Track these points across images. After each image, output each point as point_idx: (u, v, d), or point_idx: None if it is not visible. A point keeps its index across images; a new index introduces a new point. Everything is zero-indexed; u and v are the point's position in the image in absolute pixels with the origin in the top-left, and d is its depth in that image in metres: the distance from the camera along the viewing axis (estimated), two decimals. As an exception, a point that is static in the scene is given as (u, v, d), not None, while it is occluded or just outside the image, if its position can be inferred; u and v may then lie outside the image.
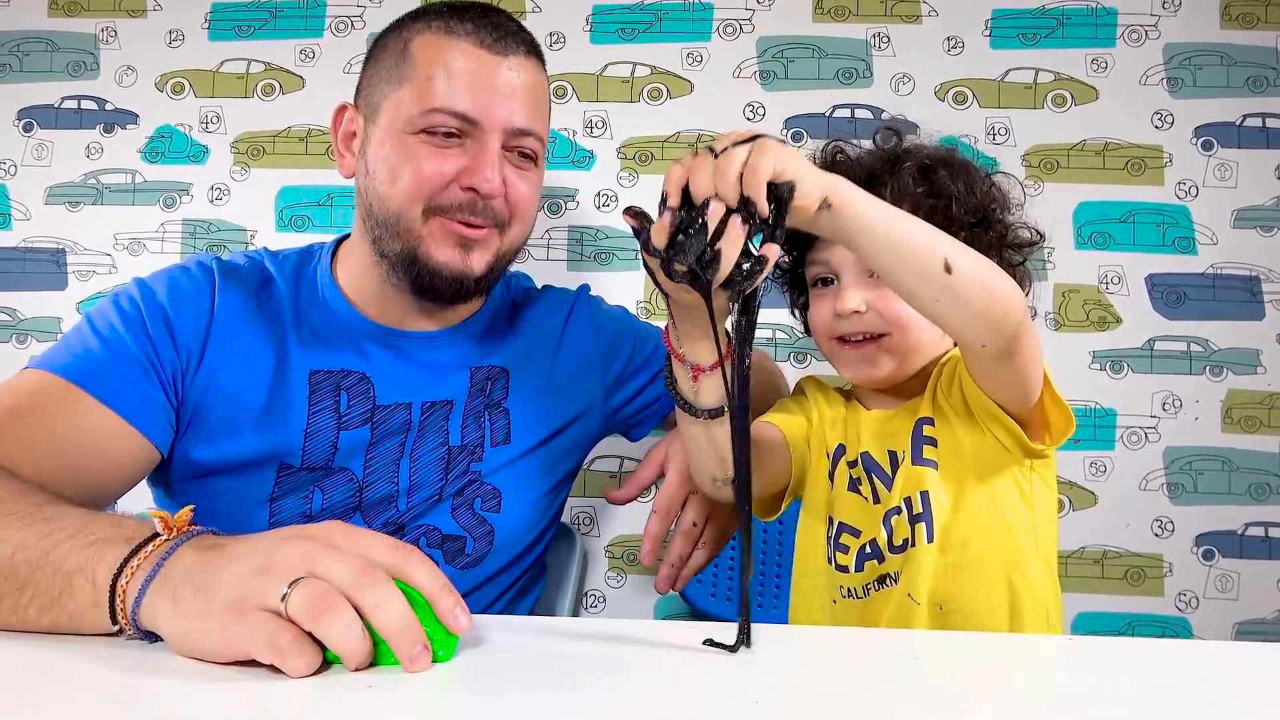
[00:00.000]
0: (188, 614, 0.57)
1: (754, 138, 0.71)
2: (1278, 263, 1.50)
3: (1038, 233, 1.00)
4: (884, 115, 1.55)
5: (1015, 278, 0.94)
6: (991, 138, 1.53)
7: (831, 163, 0.99)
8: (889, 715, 0.58)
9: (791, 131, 1.56)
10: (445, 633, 0.60)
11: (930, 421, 0.93)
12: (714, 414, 0.85)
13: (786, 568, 1.40)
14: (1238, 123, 1.52)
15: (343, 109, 1.04)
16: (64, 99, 1.62)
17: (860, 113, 1.55)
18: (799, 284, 1.03)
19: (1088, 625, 1.49)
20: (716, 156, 0.70)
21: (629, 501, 1.06)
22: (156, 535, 0.63)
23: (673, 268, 0.71)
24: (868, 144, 1.01)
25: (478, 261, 0.99)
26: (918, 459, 0.93)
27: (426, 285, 0.98)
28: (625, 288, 1.55)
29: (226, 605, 0.56)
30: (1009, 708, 0.61)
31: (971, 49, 1.55)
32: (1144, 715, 0.59)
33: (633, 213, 0.74)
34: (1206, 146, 1.52)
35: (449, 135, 0.95)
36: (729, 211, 0.69)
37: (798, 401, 1.05)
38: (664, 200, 0.72)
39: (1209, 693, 0.65)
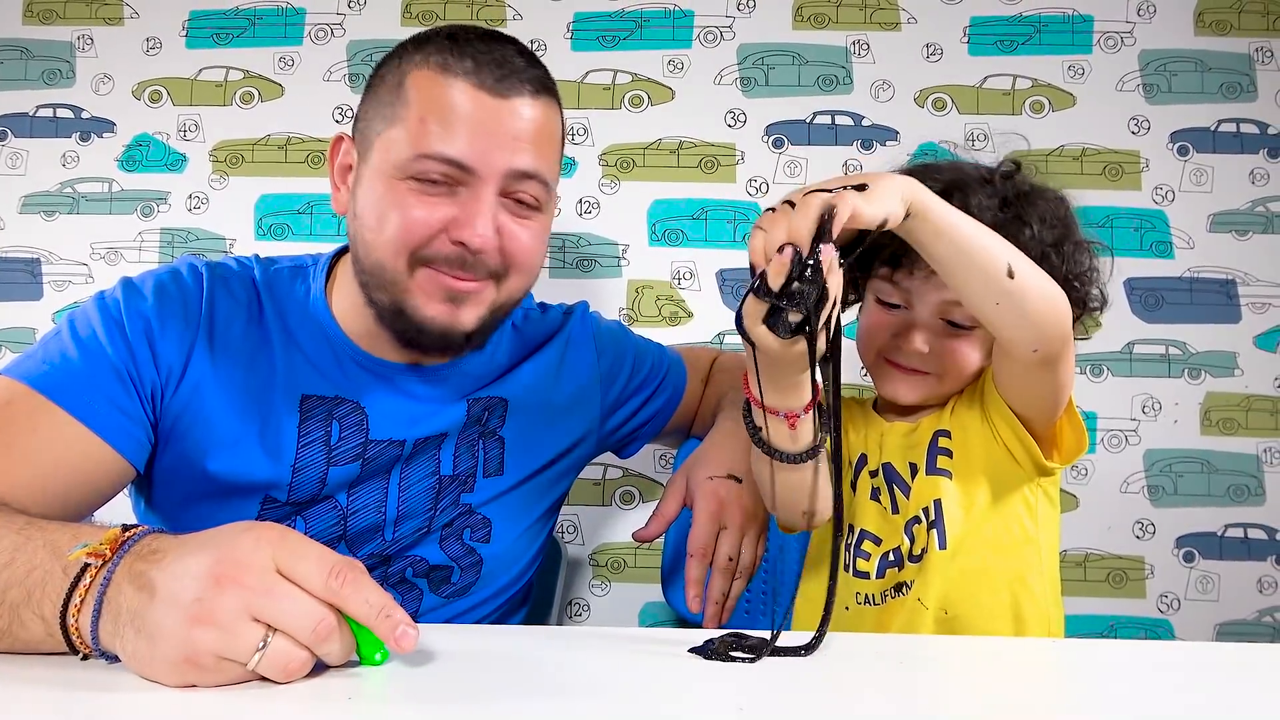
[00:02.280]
0: (143, 662, 0.57)
1: (831, 191, 0.71)
2: (1253, 266, 1.52)
3: (1103, 297, 1.02)
4: (864, 122, 1.56)
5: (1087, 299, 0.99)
6: (970, 144, 1.54)
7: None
8: (875, 717, 0.58)
9: (772, 138, 1.56)
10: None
11: (947, 434, 0.97)
12: (808, 456, 0.85)
13: (785, 577, 1.40)
14: (1212, 128, 1.54)
15: (339, 140, 0.97)
16: (39, 107, 1.60)
17: (841, 119, 1.56)
18: (855, 287, 1.03)
19: (1071, 628, 1.49)
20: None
21: (657, 538, 1.04)
22: (88, 565, 0.61)
23: (786, 318, 0.70)
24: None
25: (468, 316, 0.92)
26: (932, 469, 0.96)
27: (413, 339, 0.93)
28: (607, 295, 1.55)
29: (178, 660, 0.55)
30: (993, 710, 0.61)
31: (950, 56, 1.56)
32: (1128, 716, 0.60)
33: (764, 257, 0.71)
34: (1182, 152, 1.54)
35: (438, 182, 0.88)
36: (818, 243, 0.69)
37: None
38: (752, 270, 0.72)
39: (1191, 693, 0.65)
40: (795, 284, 0.69)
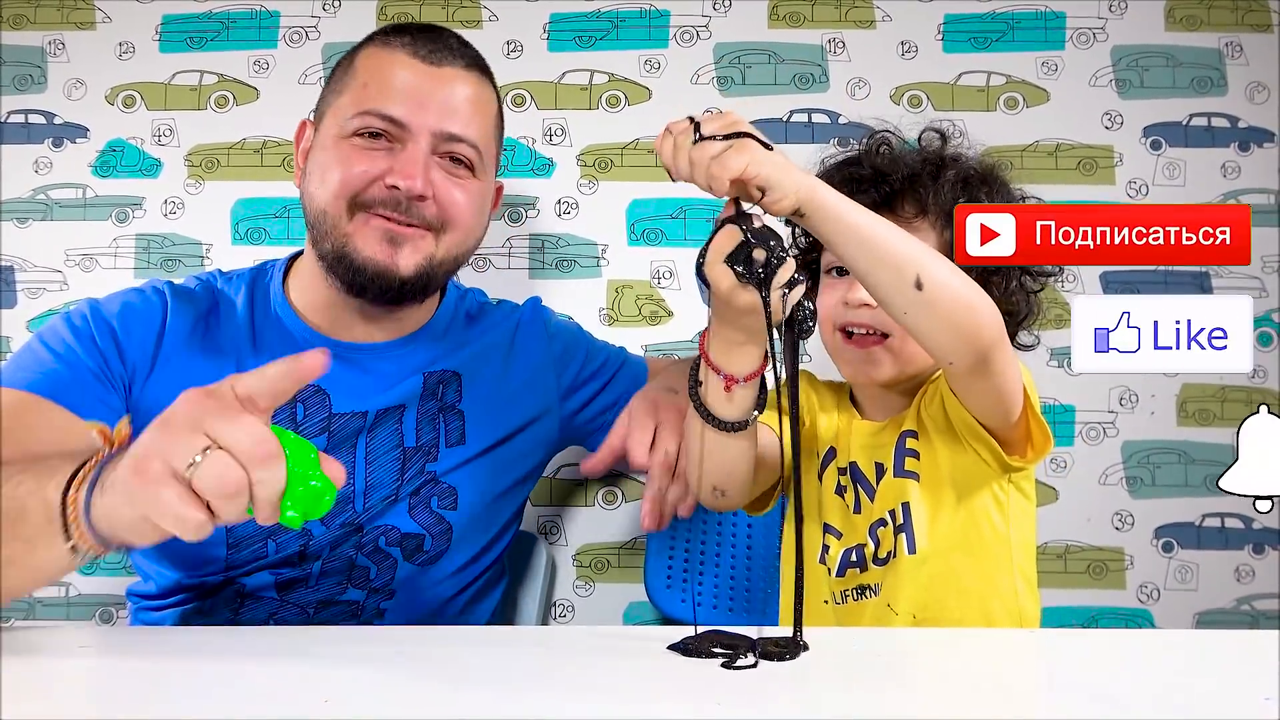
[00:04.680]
0: (108, 491, 0.61)
1: (739, 135, 0.73)
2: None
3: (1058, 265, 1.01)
4: (841, 120, 1.56)
5: (1028, 305, 0.99)
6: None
7: (875, 152, 1.00)
8: (853, 711, 0.58)
9: (750, 137, 1.56)
10: (317, 490, 0.61)
11: (914, 434, 0.95)
12: (735, 427, 0.83)
13: (757, 570, 1.40)
14: (1184, 122, 1.55)
15: (303, 126, 1.07)
16: (10, 113, 1.58)
17: (817, 117, 1.57)
18: (813, 272, 1.04)
19: (1052, 620, 1.51)
20: (698, 137, 0.73)
21: (604, 469, 1.02)
22: (98, 449, 0.66)
23: (751, 256, 0.72)
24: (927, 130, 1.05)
25: (406, 260, 1.00)
26: (900, 471, 0.95)
27: (355, 282, 1.00)
28: (587, 295, 1.55)
29: (130, 467, 0.59)
30: (979, 701, 0.62)
31: (925, 53, 1.57)
32: (1111, 704, 0.60)
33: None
34: (1155, 146, 1.55)
35: (376, 136, 0.98)
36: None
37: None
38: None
39: (1173, 680, 0.66)
40: (767, 226, 0.72)
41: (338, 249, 1.00)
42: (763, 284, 0.72)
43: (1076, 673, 0.67)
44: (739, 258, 0.72)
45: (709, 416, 0.82)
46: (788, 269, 0.73)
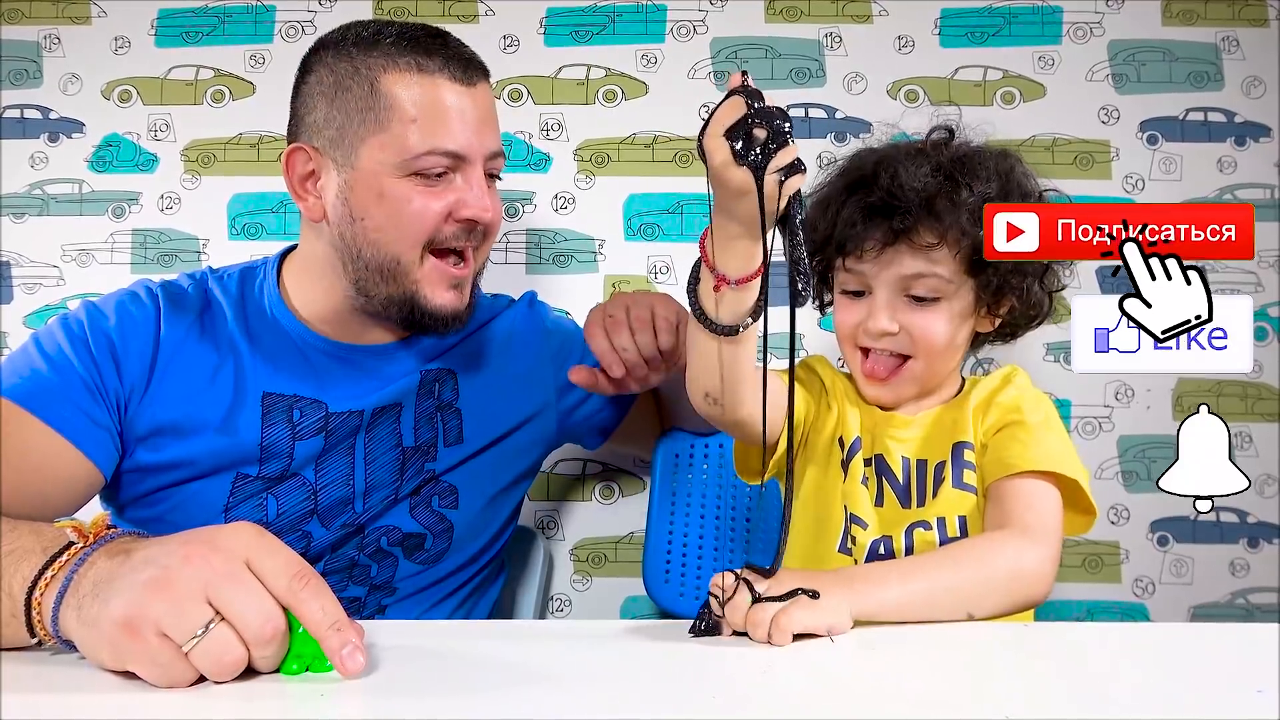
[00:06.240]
0: (85, 622, 0.57)
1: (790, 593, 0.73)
2: (1222, 253, 1.53)
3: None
4: (838, 114, 1.56)
5: (1050, 304, 1.01)
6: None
7: (885, 174, 0.93)
8: (848, 705, 0.59)
9: (747, 131, 1.56)
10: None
11: (970, 447, 0.95)
12: (726, 331, 0.80)
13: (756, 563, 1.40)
14: (1181, 117, 1.55)
15: (295, 152, 1.01)
16: (6, 108, 1.58)
17: (814, 112, 1.57)
18: (826, 280, 1.02)
19: (1048, 613, 1.51)
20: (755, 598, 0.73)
21: (593, 382, 1.07)
22: (72, 544, 0.62)
23: (752, 133, 0.69)
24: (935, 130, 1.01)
25: (465, 295, 1.02)
26: (958, 482, 0.94)
27: (423, 325, 1.01)
28: (584, 290, 1.55)
29: (119, 620, 0.55)
30: (973, 694, 0.62)
31: (922, 48, 1.57)
32: (1105, 698, 0.61)
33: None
34: (1152, 141, 1.55)
35: (440, 174, 0.96)
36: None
37: (807, 375, 1.03)
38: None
39: (1167, 674, 0.66)
40: (778, 106, 0.69)
41: (404, 296, 0.99)
42: (760, 164, 0.69)
43: (1071, 666, 0.67)
44: (739, 133, 0.69)
45: (701, 315, 0.80)
46: (788, 154, 0.69)
